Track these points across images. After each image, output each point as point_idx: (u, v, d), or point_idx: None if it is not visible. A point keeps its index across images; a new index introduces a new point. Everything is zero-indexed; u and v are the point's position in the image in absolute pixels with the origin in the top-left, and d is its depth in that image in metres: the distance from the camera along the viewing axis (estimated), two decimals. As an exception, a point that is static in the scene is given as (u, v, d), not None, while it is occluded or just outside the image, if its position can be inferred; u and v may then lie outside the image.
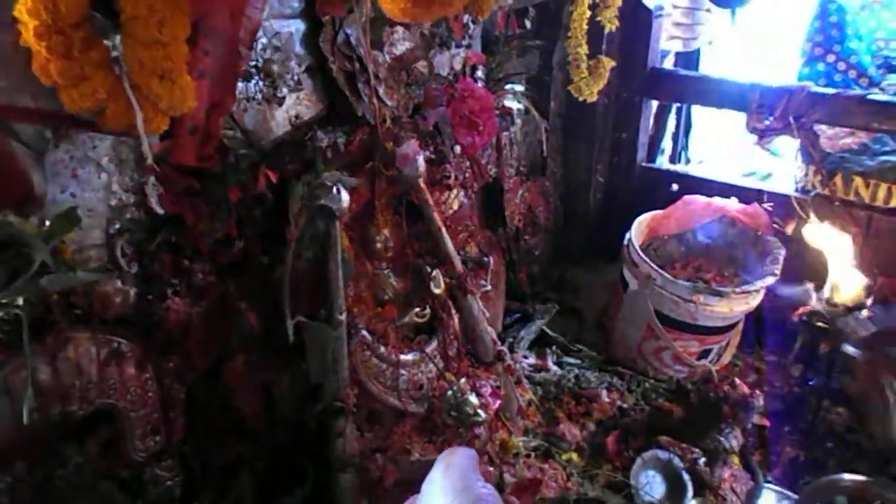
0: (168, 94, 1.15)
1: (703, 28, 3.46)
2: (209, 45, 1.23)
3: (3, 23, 1.02)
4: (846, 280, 2.16)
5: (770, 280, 2.28)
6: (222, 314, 1.47)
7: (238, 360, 1.52)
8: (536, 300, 2.74)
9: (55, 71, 1.05)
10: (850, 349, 1.75)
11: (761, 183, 3.18)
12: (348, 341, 1.57)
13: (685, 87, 2.70)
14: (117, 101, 1.12)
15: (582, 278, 2.94)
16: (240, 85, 1.36)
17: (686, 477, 1.93)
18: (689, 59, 3.44)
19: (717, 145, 4.42)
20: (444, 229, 1.77)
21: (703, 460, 1.97)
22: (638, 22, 2.56)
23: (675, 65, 3.39)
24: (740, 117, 2.47)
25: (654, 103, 2.98)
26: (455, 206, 1.90)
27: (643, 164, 2.86)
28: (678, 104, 3.30)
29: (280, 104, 1.47)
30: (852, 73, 2.60)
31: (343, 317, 1.54)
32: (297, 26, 1.46)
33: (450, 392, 1.76)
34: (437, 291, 1.77)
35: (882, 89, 2.53)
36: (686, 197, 2.53)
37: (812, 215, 2.40)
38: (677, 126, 3.52)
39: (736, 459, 2.06)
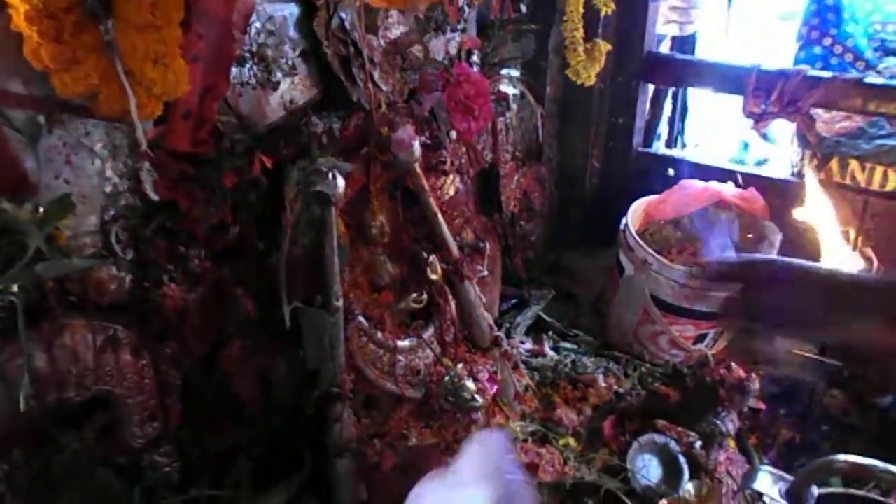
0: (161, 79, 1.15)
1: (699, 12, 3.45)
2: (203, 28, 1.22)
3: (-6, 7, 1.01)
4: (842, 263, 2.16)
5: (766, 264, 2.28)
6: (218, 300, 1.47)
7: (234, 346, 1.51)
8: (532, 286, 2.74)
9: (47, 55, 1.04)
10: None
11: (757, 168, 3.18)
12: (345, 327, 1.57)
13: (682, 71, 2.69)
14: (110, 85, 1.11)
15: (578, 263, 2.94)
16: (234, 70, 1.35)
17: (682, 460, 1.94)
18: (684, 42, 3.43)
19: (714, 129, 4.43)
20: (440, 215, 1.76)
21: (699, 444, 1.97)
22: (634, 6, 2.55)
23: (672, 49, 3.38)
24: (737, 101, 2.46)
25: (651, 88, 2.97)
26: (451, 192, 1.90)
27: (639, 148, 2.85)
28: (674, 88, 3.30)
29: (275, 89, 1.46)
30: (849, 57, 2.59)
31: (339, 302, 1.54)
32: (291, 10, 1.45)
33: (447, 377, 1.76)
34: (433, 277, 1.77)
35: (878, 72, 2.53)
36: (682, 182, 2.52)
37: (807, 199, 2.40)
38: (673, 110, 3.51)
39: (732, 442, 2.07)
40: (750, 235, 2.46)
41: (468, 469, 0.75)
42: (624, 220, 2.43)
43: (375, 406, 1.73)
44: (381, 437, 1.70)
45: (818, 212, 2.34)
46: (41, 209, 1.14)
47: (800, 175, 2.49)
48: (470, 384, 1.77)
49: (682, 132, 3.68)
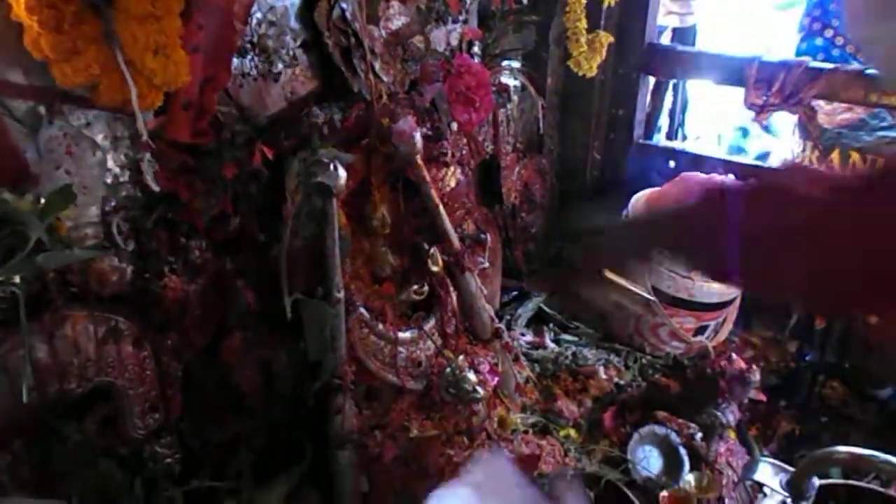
0: (162, 69, 1.14)
1: (699, 3, 3.44)
2: (203, 19, 1.22)
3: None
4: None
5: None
6: (219, 291, 1.47)
7: (235, 338, 1.51)
8: (533, 277, 2.74)
9: (47, 45, 1.04)
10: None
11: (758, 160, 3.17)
12: (346, 318, 1.57)
13: (683, 62, 2.68)
14: (111, 76, 1.11)
15: (579, 255, 2.94)
16: (235, 60, 1.35)
17: (683, 452, 1.94)
18: (685, 34, 3.42)
19: (714, 120, 4.42)
20: (441, 206, 1.76)
21: (699, 435, 1.98)
22: (635, -3, 2.54)
23: (672, 40, 3.38)
24: (738, 93, 2.45)
25: (652, 79, 2.96)
26: (452, 184, 1.89)
27: (640, 140, 2.84)
28: (675, 80, 3.29)
29: (276, 80, 1.46)
30: (850, 48, 2.58)
31: (341, 294, 1.54)
32: (293, 1, 1.45)
33: (448, 369, 1.76)
34: (434, 269, 1.77)
35: (880, 64, 2.52)
36: (683, 174, 2.52)
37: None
38: (674, 102, 3.51)
39: (732, 434, 2.07)
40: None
41: (481, 486, 0.75)
42: (625, 212, 2.43)
43: (376, 397, 1.74)
44: (383, 428, 1.70)
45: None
46: (42, 200, 1.14)
47: (801, 167, 2.49)
48: (471, 376, 1.77)
49: (682, 124, 3.67)
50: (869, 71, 2.24)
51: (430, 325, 1.81)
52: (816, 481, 1.39)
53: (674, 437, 1.97)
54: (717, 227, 0.97)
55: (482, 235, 2.05)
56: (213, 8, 1.23)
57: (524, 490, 0.70)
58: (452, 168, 1.90)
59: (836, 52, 2.60)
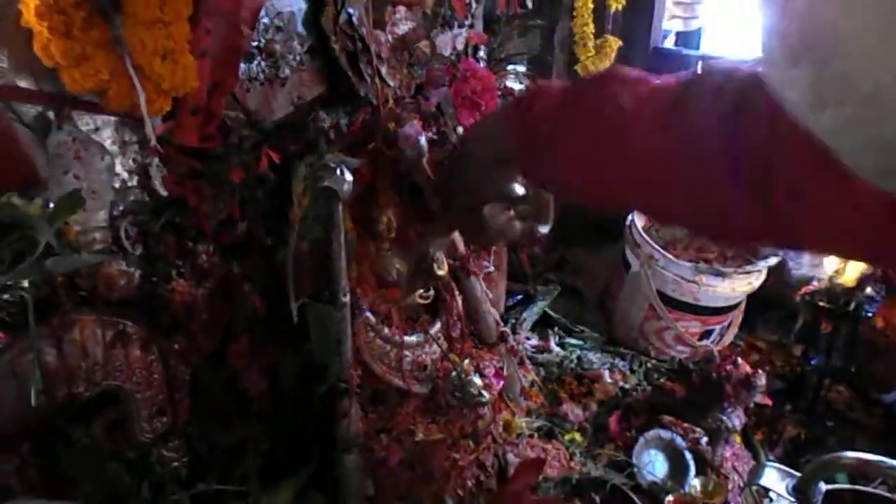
0: (170, 74, 1.15)
1: (704, 7, 3.44)
2: (211, 23, 1.22)
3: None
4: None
5: (773, 260, 2.28)
6: (226, 295, 1.47)
7: (242, 341, 1.52)
8: (538, 281, 2.74)
9: (56, 51, 1.04)
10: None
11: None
12: (352, 322, 1.57)
13: (688, 66, 2.69)
14: (119, 81, 1.11)
15: (583, 259, 2.95)
16: (242, 65, 1.35)
17: (688, 456, 1.94)
18: (689, 38, 3.42)
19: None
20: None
21: (705, 439, 1.98)
22: (640, 1, 2.55)
23: (676, 44, 3.37)
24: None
25: (656, 83, 2.96)
26: (458, 187, 1.89)
27: (645, 144, 2.84)
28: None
29: (282, 84, 1.46)
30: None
31: (346, 298, 1.54)
32: (299, 6, 1.45)
33: (454, 373, 1.76)
34: (440, 273, 1.77)
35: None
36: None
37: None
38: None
39: (738, 438, 2.07)
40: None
41: None
42: (630, 216, 2.43)
43: (382, 401, 1.74)
44: (388, 432, 1.70)
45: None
46: (51, 204, 1.14)
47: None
48: (476, 379, 1.77)
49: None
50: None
51: (435, 328, 1.81)
52: (823, 486, 1.39)
53: (679, 441, 1.97)
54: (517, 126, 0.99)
55: (487, 239, 2.05)
56: (221, 13, 1.24)
57: None
58: (458, 172, 1.90)
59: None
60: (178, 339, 1.41)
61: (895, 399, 2.33)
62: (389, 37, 1.66)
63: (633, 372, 2.40)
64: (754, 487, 1.50)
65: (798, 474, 1.44)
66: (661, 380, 2.32)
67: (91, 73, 1.08)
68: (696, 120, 0.79)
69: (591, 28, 2.20)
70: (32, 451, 1.25)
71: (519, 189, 1.17)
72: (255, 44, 1.39)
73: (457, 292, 1.86)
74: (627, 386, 2.30)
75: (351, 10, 1.50)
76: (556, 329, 2.56)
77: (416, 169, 1.68)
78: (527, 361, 2.27)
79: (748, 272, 2.26)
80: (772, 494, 1.45)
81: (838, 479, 1.74)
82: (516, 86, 2.34)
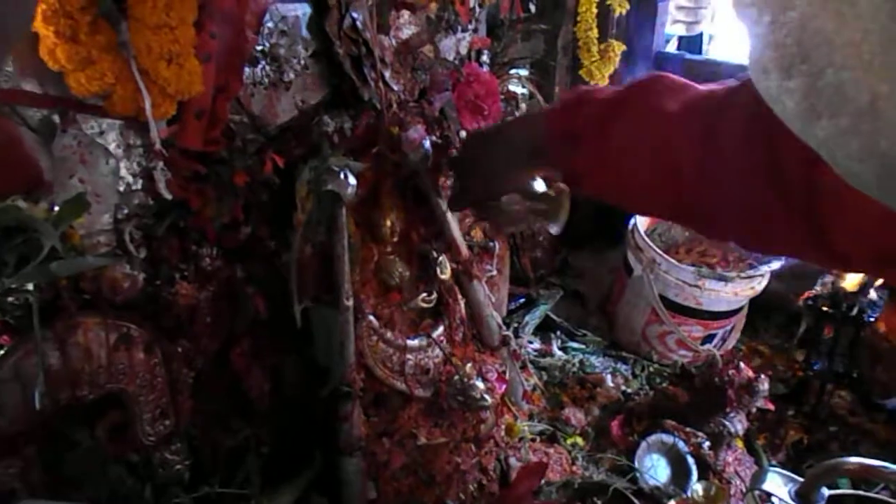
0: (176, 78, 1.15)
1: (707, 11, 3.44)
2: (216, 28, 1.23)
3: (11, 7, 1.01)
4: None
5: (775, 264, 2.28)
6: (230, 298, 1.48)
7: (245, 344, 1.52)
8: (540, 285, 2.74)
9: (62, 55, 1.05)
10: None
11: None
12: (355, 326, 1.58)
13: (691, 70, 2.69)
14: (125, 85, 1.12)
15: (585, 263, 2.95)
16: (246, 70, 1.36)
17: (690, 460, 1.94)
18: (692, 42, 3.42)
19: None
20: (449, 214, 1.76)
21: (707, 444, 1.98)
22: (643, 5, 2.55)
23: (679, 48, 3.38)
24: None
25: (659, 87, 2.96)
26: (461, 192, 1.90)
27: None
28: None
29: (287, 89, 1.46)
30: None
31: (350, 301, 1.55)
32: (304, 10, 1.45)
33: (456, 377, 1.76)
34: (443, 276, 1.77)
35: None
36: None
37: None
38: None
39: (740, 443, 2.07)
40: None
41: None
42: (632, 220, 2.43)
43: (384, 404, 1.74)
44: (390, 435, 1.70)
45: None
46: (56, 208, 1.14)
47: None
48: (479, 383, 1.77)
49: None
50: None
51: (438, 332, 1.81)
52: (825, 492, 1.39)
53: (681, 445, 1.97)
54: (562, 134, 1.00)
55: (490, 243, 2.05)
56: (226, 17, 1.24)
57: None
58: (461, 176, 1.90)
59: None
60: (181, 342, 1.41)
61: (898, 404, 2.34)
62: (393, 41, 1.66)
63: (635, 376, 2.40)
64: (756, 492, 1.50)
65: (800, 479, 1.44)
66: (664, 384, 2.32)
67: (97, 76, 1.09)
68: (739, 127, 0.78)
69: (594, 32, 2.20)
70: (36, 454, 1.25)
71: (538, 186, 1.19)
72: (259, 48, 1.39)
73: (459, 296, 1.86)
74: (630, 390, 2.30)
75: (355, 15, 1.51)
76: (558, 333, 2.56)
77: (420, 173, 1.68)
78: (529, 365, 2.27)
79: (751, 276, 2.26)
80: (774, 499, 1.45)
81: (841, 485, 1.74)
82: (519, 90, 2.35)
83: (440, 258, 1.77)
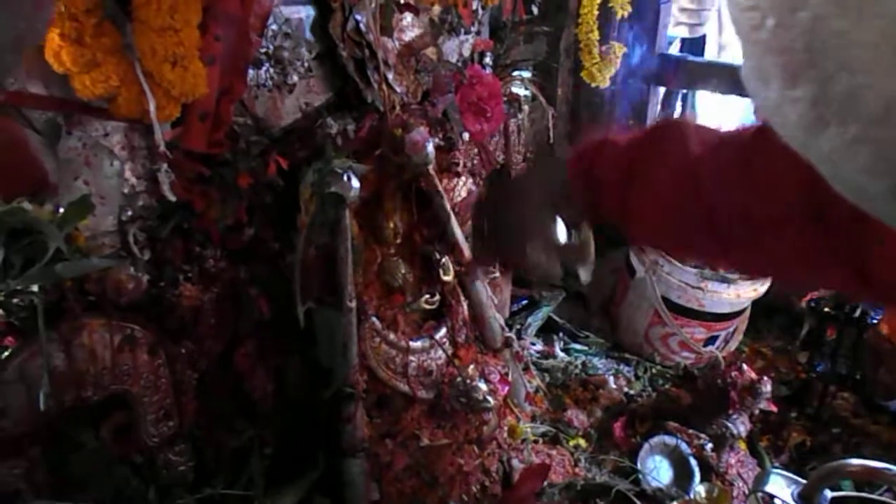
0: (180, 81, 1.16)
1: (709, 14, 3.45)
2: (220, 31, 1.23)
3: (17, 9, 1.02)
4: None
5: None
6: (233, 300, 1.48)
7: (249, 346, 1.52)
8: (543, 287, 2.74)
9: (68, 58, 1.05)
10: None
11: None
12: (358, 327, 1.58)
13: (693, 73, 2.69)
14: (130, 87, 1.12)
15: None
16: (250, 72, 1.36)
17: (693, 462, 1.94)
18: (694, 44, 3.43)
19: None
20: (452, 216, 1.77)
21: (709, 446, 1.98)
22: (646, 8, 2.55)
23: (681, 51, 3.38)
24: (746, 103, 2.46)
25: (662, 90, 2.97)
26: (464, 193, 1.90)
27: (650, 150, 2.84)
28: (684, 90, 3.29)
29: (290, 91, 1.47)
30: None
31: (353, 303, 1.55)
32: (308, 13, 1.46)
33: (459, 378, 1.76)
34: (446, 278, 1.78)
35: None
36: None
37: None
38: (683, 112, 3.51)
39: (743, 445, 2.07)
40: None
41: None
42: (634, 222, 2.43)
43: (387, 406, 1.74)
44: (393, 437, 1.70)
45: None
46: (61, 209, 1.15)
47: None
48: (481, 385, 1.77)
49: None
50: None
51: (441, 334, 1.81)
52: (828, 493, 1.39)
53: (684, 447, 1.97)
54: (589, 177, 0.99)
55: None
56: (231, 20, 1.25)
57: None
58: (464, 178, 1.90)
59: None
60: (185, 344, 1.42)
61: (900, 406, 2.33)
62: (396, 43, 1.67)
63: (637, 378, 2.40)
64: (759, 494, 1.50)
65: (803, 481, 1.44)
66: (666, 386, 2.32)
67: (101, 79, 1.09)
68: (775, 163, 0.76)
69: (595, 35, 2.20)
70: (41, 455, 1.25)
71: (563, 233, 1.16)
72: (263, 50, 1.40)
73: (462, 298, 1.87)
74: (632, 392, 2.30)
75: (359, 17, 1.51)
76: (560, 335, 2.56)
77: (423, 175, 1.69)
78: (532, 367, 2.27)
79: (753, 278, 2.26)
80: (777, 501, 1.45)
81: (843, 486, 1.74)
82: (522, 91, 2.35)
83: (443, 260, 1.78)
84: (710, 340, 2.43)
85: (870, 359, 2.32)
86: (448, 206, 1.76)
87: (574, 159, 1.04)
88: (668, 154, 0.89)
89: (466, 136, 1.89)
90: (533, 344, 2.48)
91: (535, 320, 2.56)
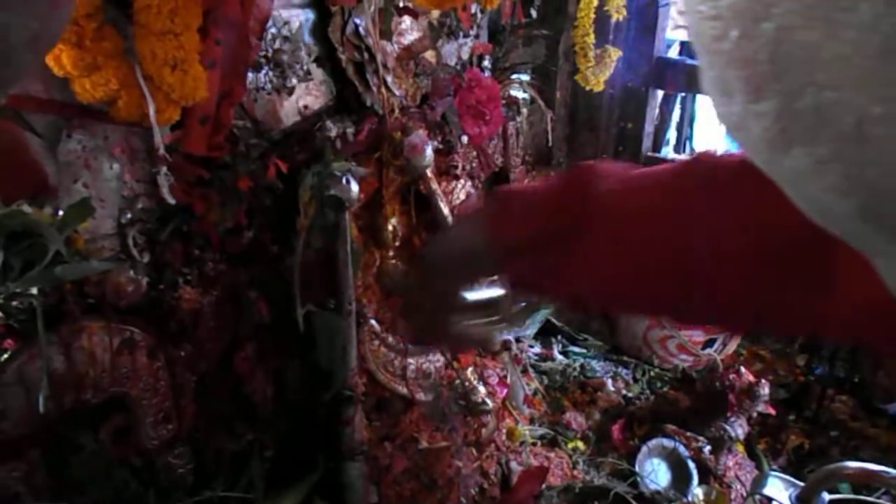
0: (180, 84, 1.16)
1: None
2: (220, 34, 1.23)
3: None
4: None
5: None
6: (233, 303, 1.48)
7: (248, 349, 1.53)
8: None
9: (68, 61, 1.05)
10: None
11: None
12: (357, 330, 1.58)
13: (692, 76, 2.69)
14: (130, 91, 1.12)
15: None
16: (250, 75, 1.37)
17: (691, 465, 1.95)
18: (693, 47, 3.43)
19: (722, 134, 4.42)
20: (452, 219, 1.77)
21: (708, 448, 1.98)
22: (645, 11, 2.56)
23: (681, 54, 3.38)
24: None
25: (660, 93, 2.97)
26: (462, 196, 1.90)
27: (648, 153, 2.85)
28: (683, 93, 3.29)
29: (290, 94, 1.47)
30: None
31: (352, 306, 1.55)
32: (307, 16, 1.46)
33: (457, 381, 1.77)
34: (444, 281, 1.78)
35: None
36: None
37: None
38: (682, 115, 3.51)
39: (741, 447, 2.07)
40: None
41: None
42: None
43: (386, 409, 1.74)
44: (392, 439, 1.71)
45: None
46: (60, 212, 1.15)
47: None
48: (480, 388, 1.78)
49: (690, 137, 3.68)
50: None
51: (440, 336, 1.81)
52: (826, 496, 1.39)
53: (682, 450, 1.97)
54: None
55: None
56: (230, 24, 1.25)
57: None
58: (463, 181, 1.91)
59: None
60: (184, 346, 1.42)
61: (899, 409, 2.34)
62: (396, 47, 1.67)
63: (636, 380, 2.40)
64: (757, 497, 1.51)
65: (801, 484, 1.44)
66: (665, 388, 2.32)
67: (102, 82, 1.09)
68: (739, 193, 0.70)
69: (591, 38, 2.20)
70: (40, 458, 1.25)
71: (479, 295, 1.06)
72: (262, 54, 1.40)
73: (461, 300, 1.87)
74: (630, 394, 2.31)
75: (358, 21, 1.52)
76: (559, 337, 2.56)
77: (422, 178, 1.69)
78: (530, 369, 2.27)
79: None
80: (775, 504, 1.45)
81: (841, 489, 1.74)
82: (520, 94, 2.35)
83: (442, 263, 1.78)
84: (709, 343, 2.44)
85: (868, 362, 2.32)
86: (447, 210, 1.76)
87: (492, 220, 0.93)
88: (584, 197, 0.81)
89: (465, 139, 1.90)
90: (531, 346, 2.48)
91: (534, 323, 2.56)
